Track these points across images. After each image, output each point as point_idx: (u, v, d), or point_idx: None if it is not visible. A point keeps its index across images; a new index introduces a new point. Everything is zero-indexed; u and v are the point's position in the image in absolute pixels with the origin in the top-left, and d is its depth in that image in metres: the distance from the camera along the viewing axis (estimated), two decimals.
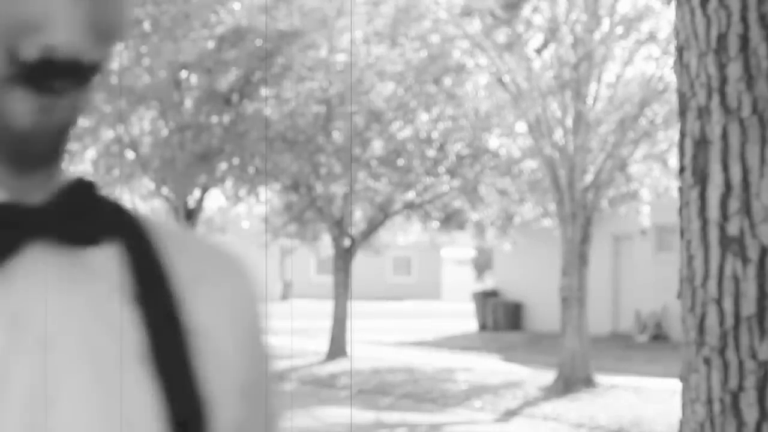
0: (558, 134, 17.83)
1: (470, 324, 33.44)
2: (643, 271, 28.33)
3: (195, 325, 0.94)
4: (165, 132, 26.36)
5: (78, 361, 0.86)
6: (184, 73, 25.84)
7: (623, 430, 14.31)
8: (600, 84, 17.80)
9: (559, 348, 18.19)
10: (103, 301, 0.89)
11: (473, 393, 17.54)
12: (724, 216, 3.08)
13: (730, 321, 3.07)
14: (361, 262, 49.88)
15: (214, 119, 25.05)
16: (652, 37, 17.44)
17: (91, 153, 27.68)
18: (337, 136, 21.99)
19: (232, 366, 0.95)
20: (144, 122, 27.25)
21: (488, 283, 54.12)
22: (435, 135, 21.90)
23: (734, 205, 3.07)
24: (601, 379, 18.20)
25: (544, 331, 29.65)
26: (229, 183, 26.07)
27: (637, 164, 19.34)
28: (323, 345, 24.29)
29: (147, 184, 29.62)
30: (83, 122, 27.22)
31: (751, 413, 3.04)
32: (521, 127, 20.53)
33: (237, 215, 46.04)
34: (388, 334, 30.72)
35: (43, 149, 0.87)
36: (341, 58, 21.89)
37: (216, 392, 0.93)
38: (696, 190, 3.14)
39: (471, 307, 34.81)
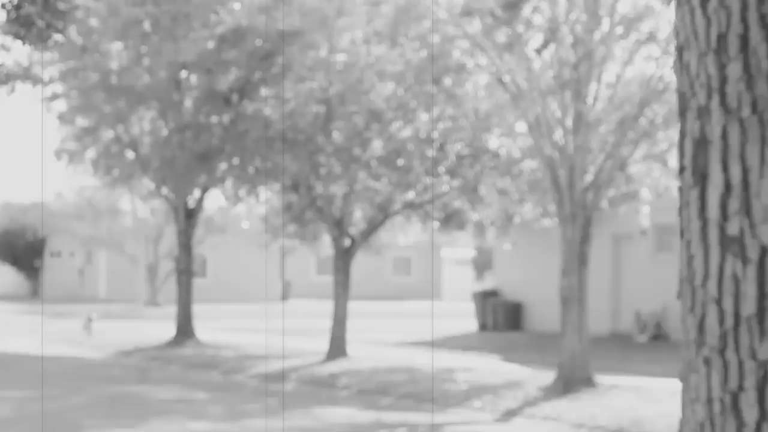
0: (558, 134, 17.82)
1: (470, 324, 33.44)
2: (643, 271, 28.32)
3: None
4: (165, 132, 26.35)
5: None
6: (184, 73, 25.83)
7: (623, 430, 14.30)
8: (600, 84, 17.79)
9: (559, 348, 18.19)
10: None
11: (473, 393, 17.53)
12: (724, 216, 3.08)
13: (730, 321, 3.07)
14: (361, 262, 49.81)
15: (214, 119, 25.04)
16: (652, 37, 17.43)
17: (91, 153, 27.67)
18: (337, 136, 21.98)
19: None
20: (144, 122, 27.24)
21: (488, 283, 54.10)
22: (435, 135, 21.89)
23: (734, 205, 3.06)
24: (601, 379, 18.19)
25: (544, 331, 29.64)
26: (229, 183, 26.05)
27: (637, 164, 19.33)
28: (323, 345, 24.29)
29: (147, 184, 29.62)
30: (83, 122, 27.22)
31: (751, 413, 3.03)
32: (521, 127, 20.52)
33: (237, 215, 46.00)
34: (388, 334, 30.72)
35: None
36: (341, 58, 21.88)
37: None
38: (696, 190, 3.14)
39: (471, 307, 34.81)
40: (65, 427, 13.91)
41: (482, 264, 63.18)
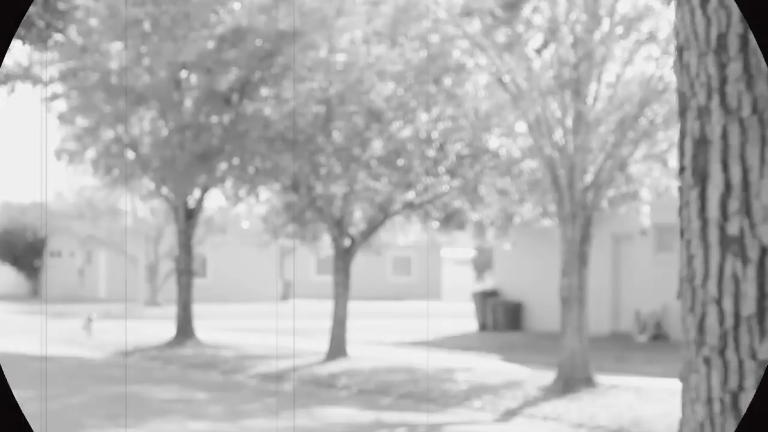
0: (558, 134, 17.82)
1: (470, 324, 33.43)
2: (643, 271, 28.32)
3: None
4: (165, 132, 26.35)
5: None
6: (184, 73, 25.83)
7: (623, 430, 14.30)
8: (600, 84, 17.79)
9: (559, 348, 18.19)
10: None
11: (473, 393, 17.53)
12: (724, 216, 3.08)
13: (730, 321, 3.07)
14: (361, 262, 49.84)
15: (214, 119, 25.03)
16: (652, 37, 17.42)
17: (91, 153, 27.68)
18: (337, 136, 21.98)
19: None
20: (144, 122, 27.24)
21: (488, 283, 54.11)
22: (435, 135, 21.89)
23: (734, 205, 3.07)
24: (601, 379, 18.19)
25: (544, 331, 29.65)
26: (229, 183, 26.05)
27: (637, 164, 19.33)
28: (323, 345, 24.29)
29: (147, 184, 29.61)
30: (83, 122, 27.22)
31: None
32: (521, 127, 20.52)
33: (237, 215, 46.01)
34: (388, 334, 30.72)
35: None
36: (341, 58, 21.88)
37: None
38: (696, 190, 3.14)
39: (471, 307, 34.80)
40: (65, 427, 13.91)
41: (482, 264, 63.18)
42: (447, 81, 21.05)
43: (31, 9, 13.26)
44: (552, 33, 17.31)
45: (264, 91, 23.73)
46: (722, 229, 3.08)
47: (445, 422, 15.16)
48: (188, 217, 28.19)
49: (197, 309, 32.56)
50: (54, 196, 53.19)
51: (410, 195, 22.82)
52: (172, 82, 25.74)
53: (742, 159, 3.06)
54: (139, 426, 14.12)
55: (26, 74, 24.03)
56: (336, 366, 21.47)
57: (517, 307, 31.49)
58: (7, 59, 24.59)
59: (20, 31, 13.47)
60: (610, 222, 27.12)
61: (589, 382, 17.67)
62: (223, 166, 25.21)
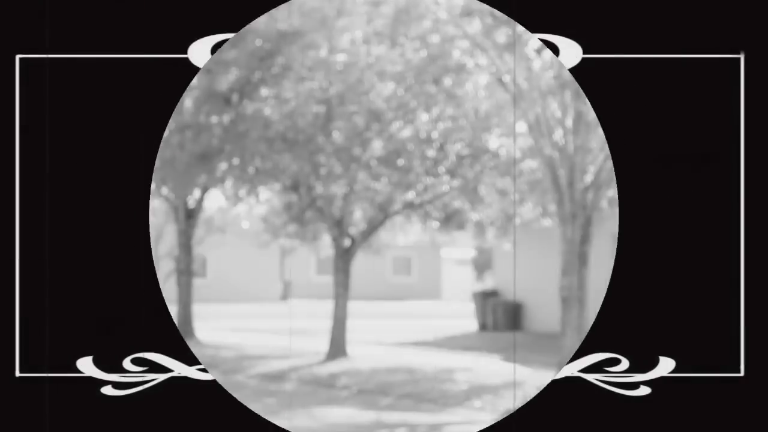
0: (558, 134, 17.82)
1: (470, 324, 33.44)
2: None
3: None
4: (165, 132, 26.33)
5: None
6: None
7: None
8: None
9: (559, 348, 18.19)
10: None
11: (473, 393, 17.53)
12: None
13: None
14: (361, 262, 49.86)
15: (214, 119, 25.03)
16: None
17: None
18: (337, 136, 21.98)
19: None
20: None
21: (488, 283, 54.12)
22: (435, 135, 21.89)
23: None
24: None
25: (544, 331, 29.66)
26: (229, 183, 26.04)
27: None
28: (323, 345, 24.30)
29: None
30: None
31: None
32: (521, 127, 20.52)
33: (237, 215, 45.99)
34: (388, 334, 30.72)
35: None
36: (341, 58, 21.89)
37: None
38: None
39: (471, 307, 34.81)
40: None
41: (482, 264, 63.20)
42: (447, 81, 21.05)
43: None
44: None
45: (264, 91, 23.73)
46: None
47: (445, 422, 15.16)
48: (188, 217, 28.20)
49: (197, 309, 32.58)
50: None
51: (410, 195, 22.83)
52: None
53: None
54: None
55: None
56: (336, 366, 21.48)
57: (517, 307, 31.50)
58: None
59: None
60: (610, 222, 27.10)
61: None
62: (223, 166, 25.20)
